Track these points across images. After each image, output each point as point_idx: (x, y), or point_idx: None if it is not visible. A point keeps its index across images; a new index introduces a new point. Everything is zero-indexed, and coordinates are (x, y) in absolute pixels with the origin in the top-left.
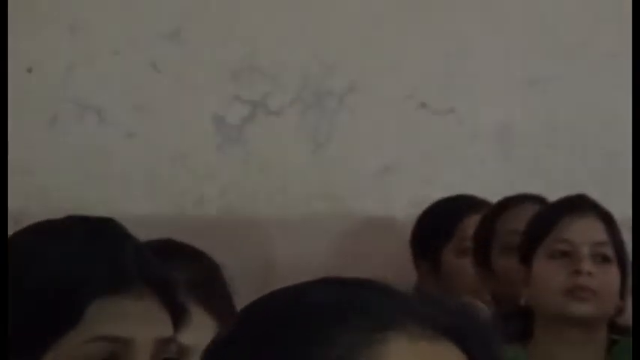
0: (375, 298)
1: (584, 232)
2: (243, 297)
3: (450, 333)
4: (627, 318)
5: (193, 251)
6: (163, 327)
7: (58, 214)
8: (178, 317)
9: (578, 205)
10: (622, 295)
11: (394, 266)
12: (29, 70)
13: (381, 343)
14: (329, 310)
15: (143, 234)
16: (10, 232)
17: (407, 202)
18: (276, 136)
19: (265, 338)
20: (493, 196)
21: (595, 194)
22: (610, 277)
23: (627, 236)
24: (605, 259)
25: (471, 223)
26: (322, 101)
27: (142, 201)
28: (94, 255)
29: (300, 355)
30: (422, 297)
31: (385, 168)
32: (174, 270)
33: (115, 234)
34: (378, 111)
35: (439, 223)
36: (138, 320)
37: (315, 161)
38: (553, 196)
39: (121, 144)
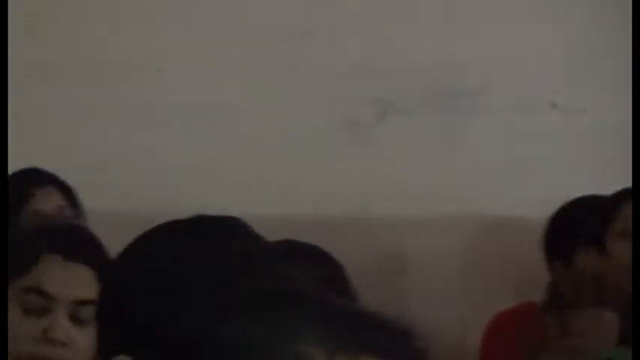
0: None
1: None
2: (377, 296)
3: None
4: None
5: (314, 251)
6: None
7: (191, 213)
8: None
9: None
10: None
11: (526, 266)
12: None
13: None
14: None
15: (269, 235)
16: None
17: (539, 201)
18: (407, 136)
19: None
20: None
21: None
22: None
23: None
24: None
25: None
26: (453, 101)
27: (262, 202)
28: (222, 254)
29: None
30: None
31: (517, 168)
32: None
33: (243, 233)
34: (509, 110)
35: (573, 223)
36: None
37: (446, 161)
38: None
39: (238, 144)
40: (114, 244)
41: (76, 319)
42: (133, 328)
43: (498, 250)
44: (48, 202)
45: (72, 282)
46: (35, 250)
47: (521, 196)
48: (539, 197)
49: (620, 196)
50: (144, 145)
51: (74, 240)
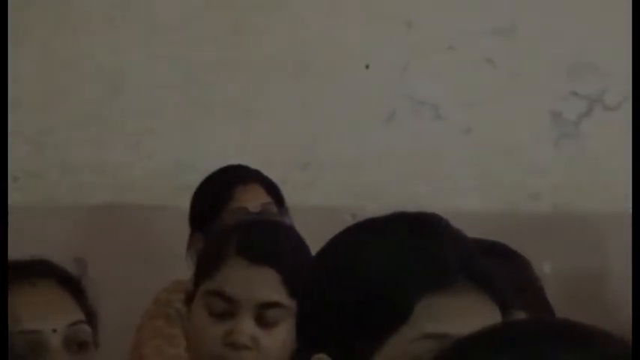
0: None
1: None
2: (578, 293)
3: None
4: None
5: (503, 248)
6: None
7: (392, 208)
8: (504, 313)
9: None
10: None
11: None
12: (367, 67)
13: None
14: None
15: (476, 229)
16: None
17: None
18: (613, 132)
19: None
20: None
21: None
22: None
23: None
24: None
25: None
26: None
27: (474, 196)
28: (418, 251)
29: None
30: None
31: None
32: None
33: (441, 229)
34: None
35: None
36: (466, 317)
37: None
38: None
39: (456, 139)
40: (318, 241)
41: (261, 322)
42: (331, 328)
43: None
44: (252, 200)
45: (256, 285)
46: (223, 251)
47: None
48: None
49: None
50: (346, 142)
51: (263, 240)
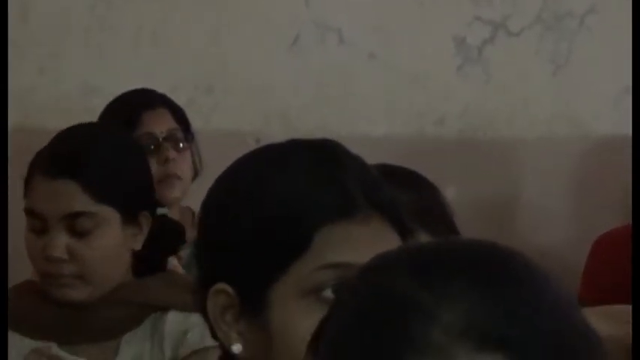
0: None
1: None
2: (483, 218)
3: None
4: None
5: (410, 174)
6: None
7: (297, 134)
8: (406, 240)
9: None
10: None
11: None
12: None
13: None
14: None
15: (382, 154)
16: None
17: None
18: (516, 58)
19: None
20: None
21: None
22: None
23: None
24: None
25: None
26: (562, 23)
27: (381, 121)
28: (319, 179)
29: None
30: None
31: (625, 88)
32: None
33: (339, 156)
34: (618, 32)
35: None
36: (367, 245)
37: (554, 83)
38: None
39: (362, 65)
40: (221, 165)
41: (74, 233)
42: (230, 256)
43: (605, 170)
44: (159, 125)
45: (58, 198)
46: (30, 170)
47: (629, 117)
48: None
49: None
50: (251, 67)
51: (60, 154)
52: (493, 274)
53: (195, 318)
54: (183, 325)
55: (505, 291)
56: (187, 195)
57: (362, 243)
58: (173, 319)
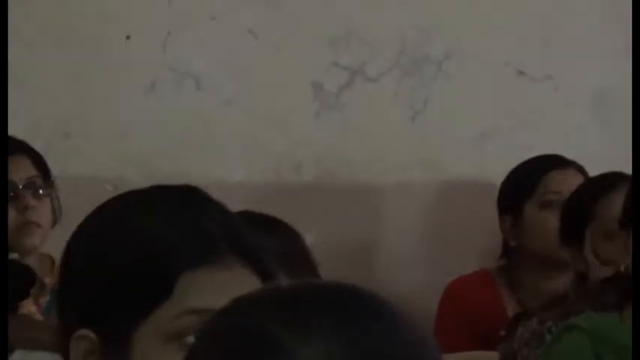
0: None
1: None
2: (342, 263)
3: None
4: None
5: (273, 220)
6: None
7: (155, 179)
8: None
9: None
10: None
11: (490, 231)
12: (128, 37)
13: None
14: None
15: (240, 199)
16: (109, 197)
17: (503, 168)
18: (374, 103)
19: None
20: (590, 163)
21: None
22: None
23: None
24: None
25: (555, 177)
26: (419, 68)
27: (239, 167)
28: (181, 225)
29: None
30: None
31: (482, 134)
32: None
33: (201, 202)
34: (475, 77)
35: (522, 178)
36: (229, 291)
37: (412, 128)
38: None
39: (219, 110)
40: (79, 213)
41: None
42: (92, 302)
43: (462, 215)
44: (18, 172)
45: None
46: None
47: (486, 163)
48: (504, 163)
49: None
50: (109, 112)
51: None
52: (352, 314)
53: (40, 355)
54: None
55: (363, 330)
56: (46, 241)
57: (225, 289)
58: (17, 358)
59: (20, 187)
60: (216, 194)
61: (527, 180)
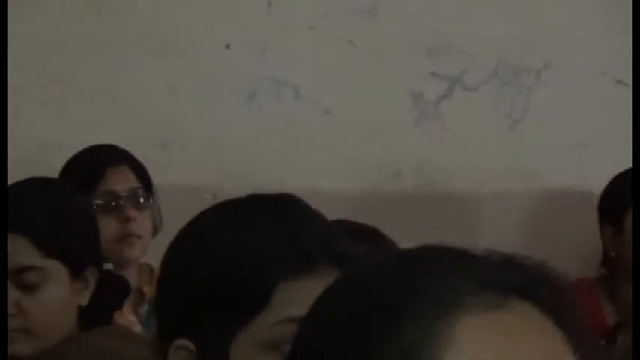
0: (435, 277)
1: None
2: None
3: (521, 291)
4: None
5: (369, 229)
6: None
7: (253, 189)
8: None
9: None
10: None
11: (590, 242)
12: (227, 47)
13: (446, 329)
14: (387, 305)
15: (339, 209)
16: (208, 206)
17: (602, 177)
18: (473, 112)
19: (331, 341)
20: None
21: None
22: None
23: None
24: None
25: None
26: (518, 77)
27: (337, 176)
28: (279, 235)
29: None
30: (486, 257)
31: (580, 143)
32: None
33: (299, 211)
34: (573, 87)
35: (622, 188)
36: None
37: (510, 137)
38: None
39: (318, 120)
40: (178, 221)
41: (24, 287)
42: (190, 312)
43: (561, 226)
44: (122, 183)
45: (10, 253)
46: None
47: (585, 172)
48: (603, 173)
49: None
50: (207, 122)
51: (13, 209)
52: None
53: None
54: None
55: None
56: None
57: None
58: None
59: (123, 197)
60: (314, 204)
61: (627, 189)
